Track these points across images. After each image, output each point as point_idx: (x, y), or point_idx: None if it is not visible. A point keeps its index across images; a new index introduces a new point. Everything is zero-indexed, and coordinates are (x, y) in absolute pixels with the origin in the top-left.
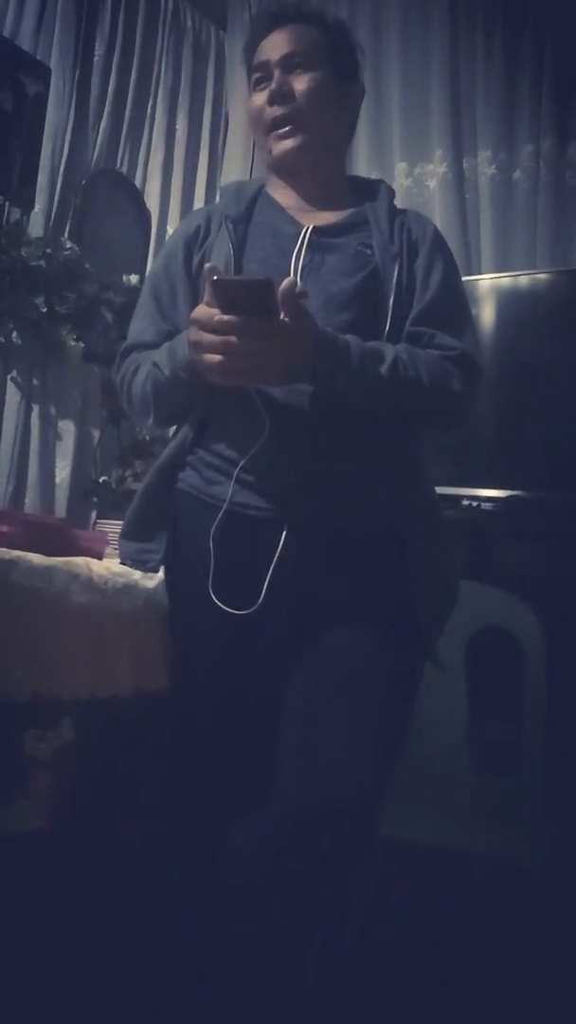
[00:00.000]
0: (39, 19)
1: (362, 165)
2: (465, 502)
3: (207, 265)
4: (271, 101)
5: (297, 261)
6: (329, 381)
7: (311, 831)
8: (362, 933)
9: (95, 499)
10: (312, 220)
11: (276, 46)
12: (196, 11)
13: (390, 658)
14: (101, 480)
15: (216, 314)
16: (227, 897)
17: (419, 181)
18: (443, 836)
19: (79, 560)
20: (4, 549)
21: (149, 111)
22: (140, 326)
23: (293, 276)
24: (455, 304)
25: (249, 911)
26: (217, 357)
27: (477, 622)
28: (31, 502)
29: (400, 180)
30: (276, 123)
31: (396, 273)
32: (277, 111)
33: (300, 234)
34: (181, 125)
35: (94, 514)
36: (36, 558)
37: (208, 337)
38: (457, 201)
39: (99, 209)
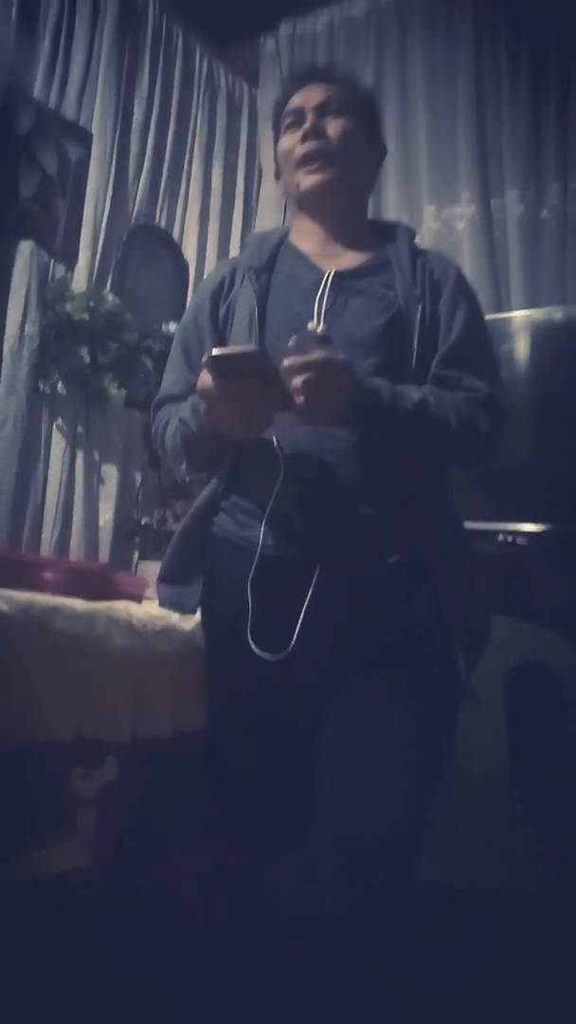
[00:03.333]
0: (82, 85)
1: (391, 209)
2: (501, 537)
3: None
4: (304, 138)
5: (320, 306)
6: (363, 424)
7: (349, 869)
8: (400, 973)
9: (137, 540)
10: (334, 264)
11: (311, 95)
12: (229, 69)
13: (423, 694)
14: (143, 522)
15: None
16: (266, 934)
17: (448, 223)
18: (482, 877)
19: (119, 604)
20: (48, 596)
21: (185, 166)
22: (171, 378)
23: (316, 321)
24: (479, 345)
25: (288, 948)
26: (232, 420)
27: (513, 657)
28: (76, 545)
29: (429, 223)
30: (308, 156)
31: (419, 315)
32: (310, 146)
33: (322, 279)
34: (216, 178)
35: (136, 555)
36: (78, 604)
37: (215, 405)
38: (486, 241)
39: (139, 261)
